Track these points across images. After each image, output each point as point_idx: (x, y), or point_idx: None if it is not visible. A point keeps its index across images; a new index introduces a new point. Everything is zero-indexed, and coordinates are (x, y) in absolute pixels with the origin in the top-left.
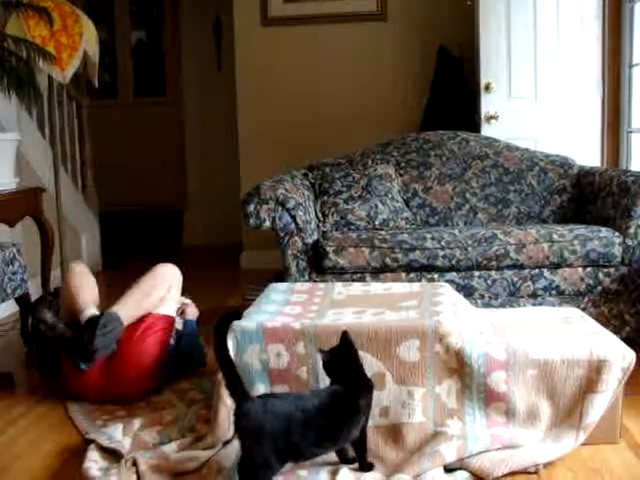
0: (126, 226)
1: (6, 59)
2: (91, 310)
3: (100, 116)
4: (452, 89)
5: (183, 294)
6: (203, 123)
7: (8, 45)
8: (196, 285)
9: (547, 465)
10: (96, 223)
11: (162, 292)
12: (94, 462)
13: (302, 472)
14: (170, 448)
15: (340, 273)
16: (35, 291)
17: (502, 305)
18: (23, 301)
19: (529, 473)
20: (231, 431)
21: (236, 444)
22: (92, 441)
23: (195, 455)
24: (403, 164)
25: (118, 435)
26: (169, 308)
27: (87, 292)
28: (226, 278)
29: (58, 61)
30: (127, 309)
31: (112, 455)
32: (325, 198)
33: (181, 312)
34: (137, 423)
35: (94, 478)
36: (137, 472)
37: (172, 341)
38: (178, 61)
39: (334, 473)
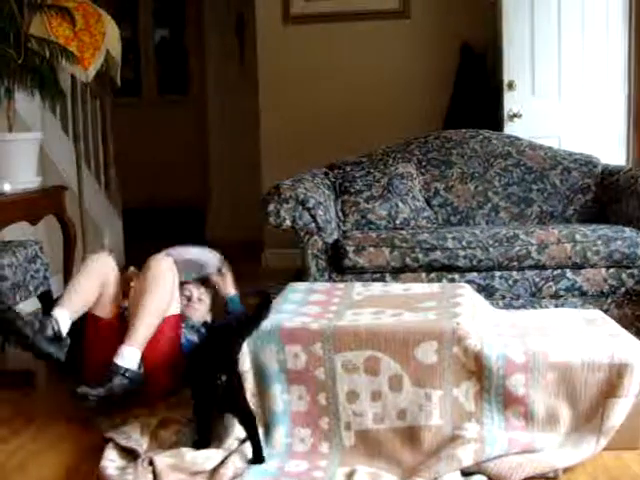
0: (149, 223)
1: (30, 59)
2: (61, 315)
3: (123, 114)
4: (475, 87)
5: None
6: (226, 120)
7: (32, 45)
8: None
9: (566, 470)
10: (119, 220)
11: (167, 297)
12: (111, 461)
13: (318, 473)
14: (187, 447)
15: (360, 273)
16: (57, 288)
17: (523, 306)
18: (46, 298)
19: (548, 478)
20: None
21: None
22: (110, 439)
23: (211, 454)
24: (424, 163)
25: (136, 434)
26: (173, 307)
27: (77, 295)
28: (247, 276)
29: (81, 60)
30: (142, 340)
31: (129, 454)
32: (346, 197)
33: (214, 289)
34: (155, 422)
35: (111, 477)
36: (154, 471)
37: (194, 338)
38: (201, 58)
39: (350, 476)
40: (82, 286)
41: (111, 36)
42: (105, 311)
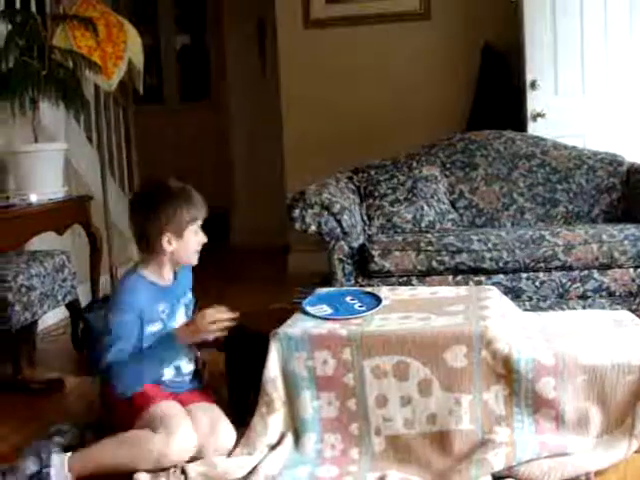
0: None
1: (54, 70)
2: None
3: (146, 121)
4: (498, 87)
5: None
6: (248, 125)
7: (55, 56)
8: (243, 287)
9: (598, 474)
10: None
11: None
12: (144, 470)
13: (348, 479)
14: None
15: (386, 277)
16: (85, 297)
17: (551, 307)
18: (73, 307)
19: None
20: (275, 436)
21: (282, 450)
22: None
23: (242, 462)
24: (449, 165)
25: None
26: None
27: None
28: (273, 280)
29: (104, 70)
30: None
31: None
32: (370, 201)
33: None
34: None
35: None
36: None
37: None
38: (222, 64)
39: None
40: None
41: (133, 45)
42: None
